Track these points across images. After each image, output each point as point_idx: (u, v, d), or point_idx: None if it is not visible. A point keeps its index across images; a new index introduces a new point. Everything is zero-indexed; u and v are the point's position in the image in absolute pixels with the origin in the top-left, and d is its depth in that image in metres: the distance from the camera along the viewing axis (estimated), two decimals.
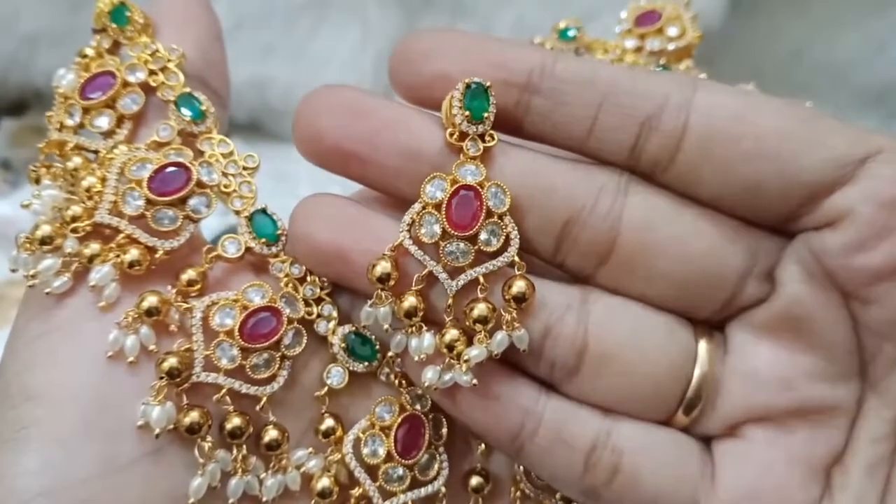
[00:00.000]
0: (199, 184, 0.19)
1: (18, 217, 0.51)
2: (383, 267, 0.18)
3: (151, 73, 0.21)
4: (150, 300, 0.18)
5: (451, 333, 0.18)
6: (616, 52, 0.28)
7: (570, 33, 0.28)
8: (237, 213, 0.20)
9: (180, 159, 0.20)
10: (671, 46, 0.27)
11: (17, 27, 0.57)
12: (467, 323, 0.18)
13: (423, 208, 0.18)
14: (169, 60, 0.21)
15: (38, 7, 0.57)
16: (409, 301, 0.18)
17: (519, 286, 0.18)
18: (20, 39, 0.57)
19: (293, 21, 0.62)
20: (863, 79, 0.68)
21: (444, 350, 0.18)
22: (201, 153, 0.20)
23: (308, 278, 0.20)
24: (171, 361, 0.18)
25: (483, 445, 0.21)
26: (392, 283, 0.18)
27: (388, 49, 0.64)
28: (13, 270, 0.19)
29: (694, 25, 0.28)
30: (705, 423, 0.19)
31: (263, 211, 0.20)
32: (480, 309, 0.18)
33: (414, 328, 0.18)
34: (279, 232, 0.20)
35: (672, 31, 0.28)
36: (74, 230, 0.19)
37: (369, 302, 0.18)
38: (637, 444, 0.19)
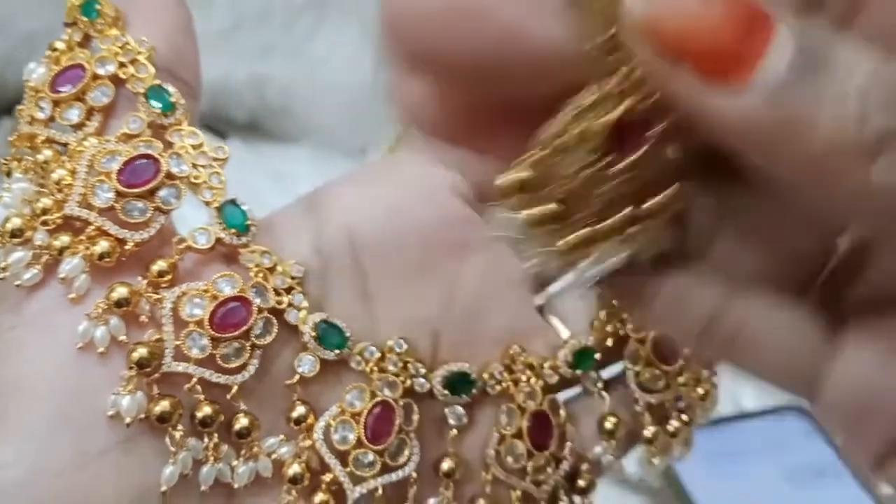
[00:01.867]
0: (169, 175, 0.20)
1: None
2: None
3: (121, 65, 0.21)
4: (120, 291, 0.18)
5: None
6: None
7: None
8: (207, 203, 0.20)
9: (150, 151, 0.20)
10: None
11: (15, 27, 0.56)
12: None
13: None
14: (139, 53, 0.21)
15: (35, 7, 0.56)
16: None
17: None
18: (18, 39, 0.56)
19: (292, 21, 0.62)
20: None
21: None
22: (171, 145, 0.20)
23: (278, 268, 0.20)
24: (141, 352, 0.18)
25: (455, 431, 0.21)
26: None
27: None
28: None
29: None
30: (841, 300, 0.17)
31: (233, 202, 0.20)
32: None
33: None
34: (249, 222, 0.20)
35: None
36: (45, 223, 0.19)
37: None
38: (761, 319, 0.16)
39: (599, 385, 0.23)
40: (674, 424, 0.23)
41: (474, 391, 0.21)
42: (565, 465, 0.22)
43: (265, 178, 0.57)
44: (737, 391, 0.47)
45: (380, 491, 0.20)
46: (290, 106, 0.63)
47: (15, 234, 0.19)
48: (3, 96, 0.60)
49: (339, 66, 0.62)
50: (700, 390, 0.24)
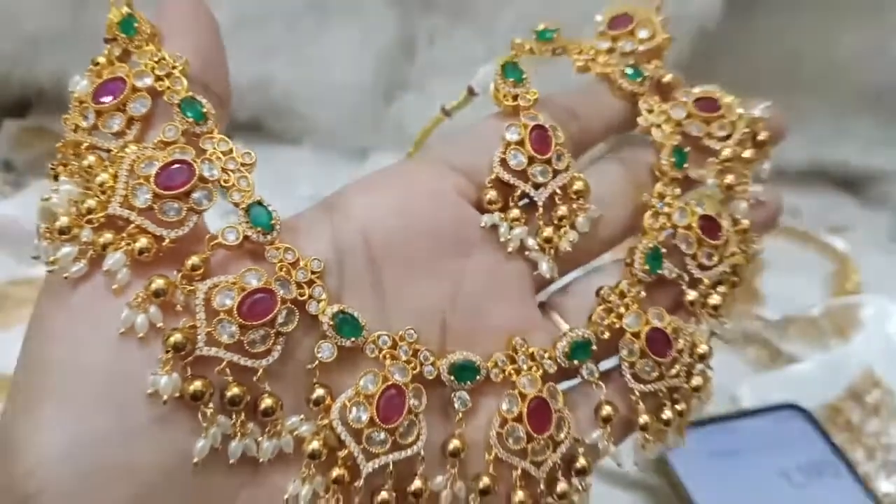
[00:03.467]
0: (202, 179, 0.22)
1: (21, 218, 0.52)
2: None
3: (158, 78, 0.23)
4: (158, 283, 0.20)
5: None
6: (590, 53, 0.30)
7: (548, 35, 0.30)
8: (236, 204, 0.22)
9: (184, 157, 0.22)
10: (641, 48, 0.29)
11: (20, 27, 0.57)
12: None
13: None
14: (173, 67, 0.23)
15: (40, 7, 0.57)
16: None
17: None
18: (23, 40, 0.57)
19: (294, 22, 0.62)
20: (862, 79, 0.69)
21: None
22: (203, 151, 0.22)
23: (300, 263, 0.22)
24: (177, 337, 0.20)
25: (460, 414, 0.23)
26: None
27: (389, 49, 0.65)
28: (35, 258, 0.21)
29: (664, 28, 0.30)
30: None
31: (259, 203, 0.22)
32: None
33: None
34: (273, 221, 0.22)
35: (642, 34, 0.29)
36: (90, 221, 0.21)
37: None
38: None
39: (596, 375, 0.24)
40: (667, 413, 0.25)
41: (478, 378, 0.23)
42: (563, 448, 0.23)
43: (267, 179, 0.57)
44: (735, 390, 0.48)
45: (391, 467, 0.21)
46: (292, 107, 0.63)
47: (63, 231, 0.21)
48: (8, 97, 0.61)
49: (340, 67, 0.62)
50: (694, 381, 0.25)
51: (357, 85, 0.63)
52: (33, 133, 0.62)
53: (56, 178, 0.23)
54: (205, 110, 0.23)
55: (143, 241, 0.21)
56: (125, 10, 0.24)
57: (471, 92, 0.30)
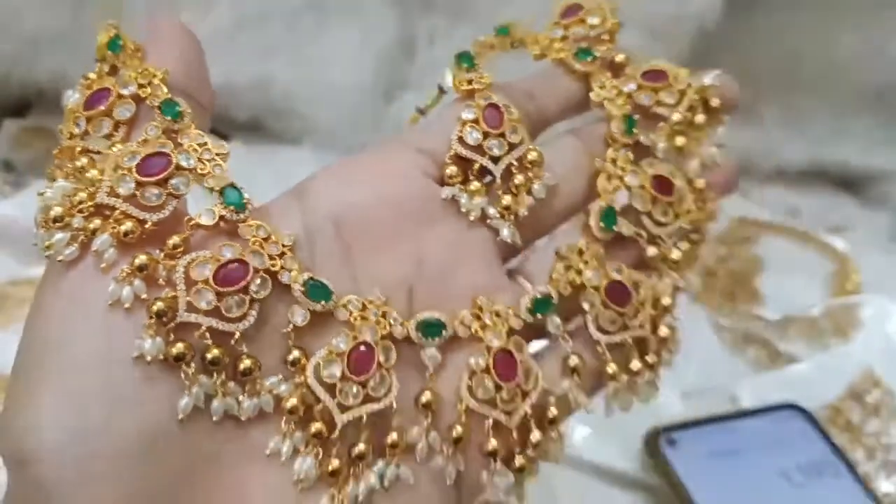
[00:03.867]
0: (178, 167, 0.24)
1: (21, 218, 0.52)
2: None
3: (140, 86, 0.25)
4: (141, 258, 0.22)
5: None
6: (545, 43, 0.32)
7: (506, 31, 0.32)
8: (210, 189, 0.24)
9: (163, 149, 0.24)
10: (592, 34, 0.31)
11: (20, 28, 0.57)
12: None
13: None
14: (154, 76, 0.26)
15: (40, 7, 0.57)
16: None
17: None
18: (23, 40, 0.57)
19: (294, 22, 0.62)
20: (862, 79, 0.70)
21: None
22: (181, 145, 0.25)
23: (272, 238, 0.24)
24: (160, 305, 0.22)
25: (430, 370, 0.24)
26: None
27: (389, 49, 0.66)
28: (34, 245, 0.23)
29: (613, 14, 0.32)
30: None
31: (232, 185, 0.24)
32: None
33: None
34: (245, 200, 0.24)
35: (593, 20, 0.31)
36: (81, 210, 0.23)
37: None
38: None
39: (561, 329, 0.26)
40: (636, 364, 0.26)
41: (445, 333, 0.24)
42: (532, 398, 0.24)
43: (267, 179, 0.54)
44: (735, 390, 0.48)
45: (364, 419, 0.23)
46: (291, 107, 0.63)
47: (56, 220, 0.23)
48: (8, 97, 0.61)
49: (340, 67, 0.62)
50: (661, 332, 0.26)
51: (357, 85, 0.63)
52: (33, 133, 0.63)
53: (53, 180, 0.25)
54: (181, 109, 0.25)
55: (127, 225, 0.23)
56: (112, 32, 0.26)
57: (441, 90, 0.32)
